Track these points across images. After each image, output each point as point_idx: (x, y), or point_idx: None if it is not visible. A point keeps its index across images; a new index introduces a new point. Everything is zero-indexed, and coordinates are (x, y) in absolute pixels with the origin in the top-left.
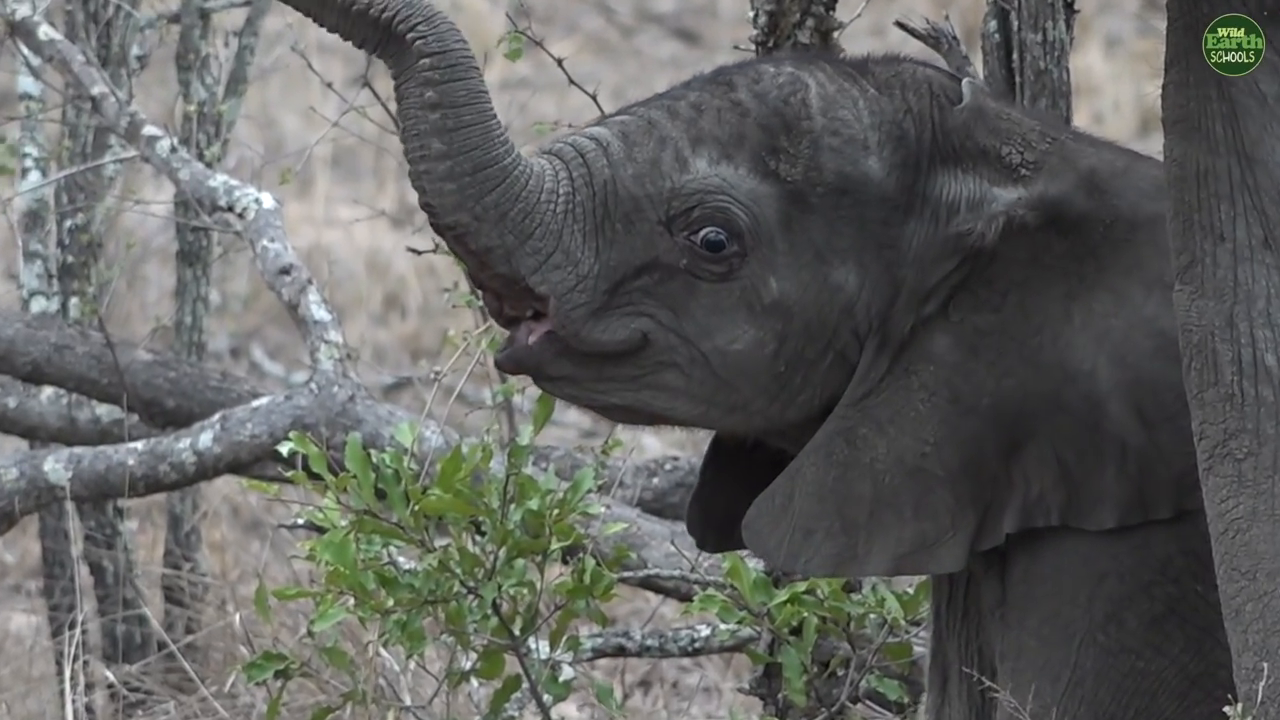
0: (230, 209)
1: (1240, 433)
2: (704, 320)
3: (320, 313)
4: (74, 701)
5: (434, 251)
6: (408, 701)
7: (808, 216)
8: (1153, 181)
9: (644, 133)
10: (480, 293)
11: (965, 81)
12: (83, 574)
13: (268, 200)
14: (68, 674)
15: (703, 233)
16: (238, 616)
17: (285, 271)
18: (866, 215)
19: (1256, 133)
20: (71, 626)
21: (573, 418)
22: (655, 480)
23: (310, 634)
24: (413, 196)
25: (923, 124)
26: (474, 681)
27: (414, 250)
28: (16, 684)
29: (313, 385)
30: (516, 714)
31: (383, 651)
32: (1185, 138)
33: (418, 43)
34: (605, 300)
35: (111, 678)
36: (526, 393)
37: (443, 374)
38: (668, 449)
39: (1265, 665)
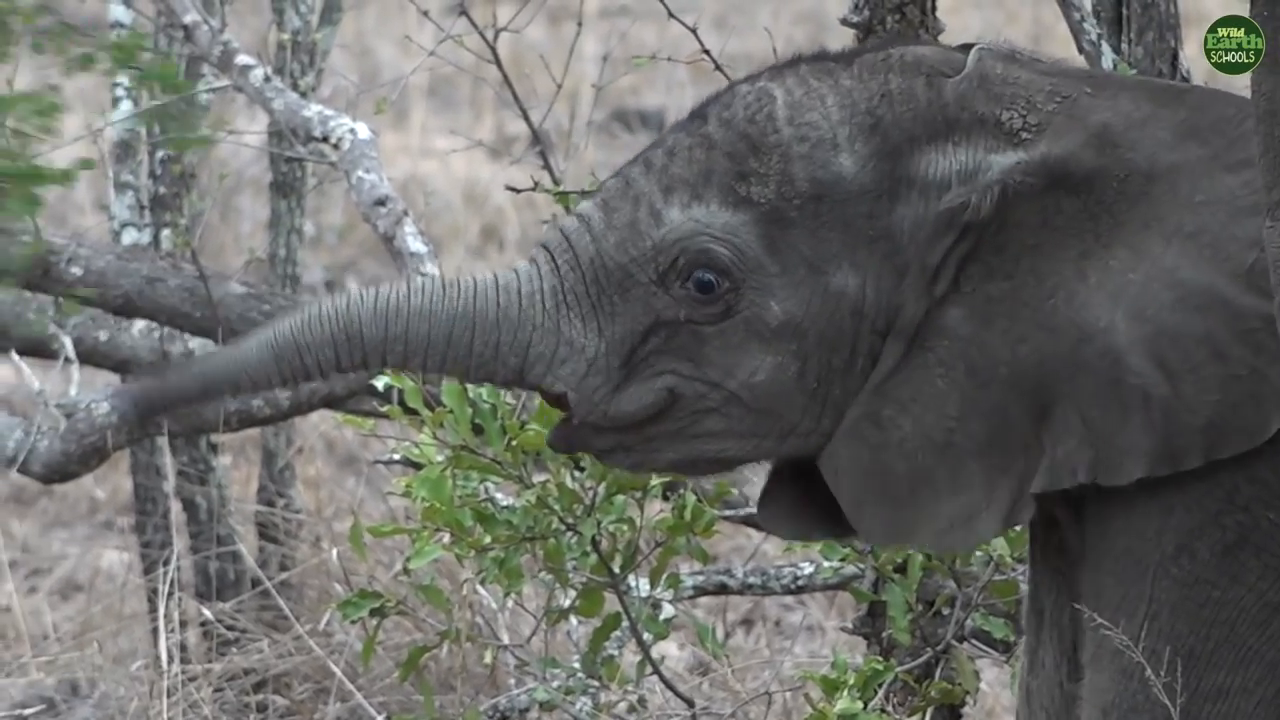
0: (325, 139)
1: None
2: (722, 361)
3: (416, 245)
4: (167, 639)
5: (533, 190)
6: (505, 640)
7: (790, 232)
8: (1176, 129)
9: (621, 195)
10: None
11: (975, 49)
12: (175, 510)
13: (363, 130)
14: (161, 611)
15: (693, 277)
16: (333, 553)
17: (381, 203)
18: (849, 214)
19: None
20: (164, 563)
21: None
22: None
23: (406, 571)
24: (511, 126)
25: (904, 104)
26: (573, 620)
27: (513, 189)
28: (108, 621)
29: None
30: (616, 652)
31: (480, 589)
32: (1273, 71)
33: None
34: (622, 374)
35: (206, 614)
36: None
37: None
38: None
39: None
